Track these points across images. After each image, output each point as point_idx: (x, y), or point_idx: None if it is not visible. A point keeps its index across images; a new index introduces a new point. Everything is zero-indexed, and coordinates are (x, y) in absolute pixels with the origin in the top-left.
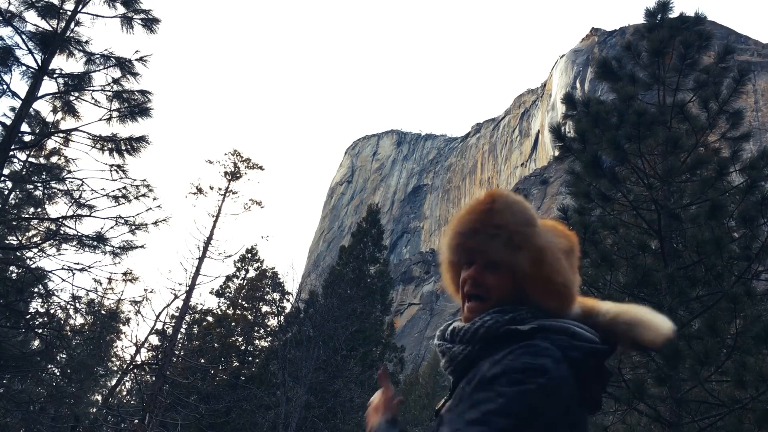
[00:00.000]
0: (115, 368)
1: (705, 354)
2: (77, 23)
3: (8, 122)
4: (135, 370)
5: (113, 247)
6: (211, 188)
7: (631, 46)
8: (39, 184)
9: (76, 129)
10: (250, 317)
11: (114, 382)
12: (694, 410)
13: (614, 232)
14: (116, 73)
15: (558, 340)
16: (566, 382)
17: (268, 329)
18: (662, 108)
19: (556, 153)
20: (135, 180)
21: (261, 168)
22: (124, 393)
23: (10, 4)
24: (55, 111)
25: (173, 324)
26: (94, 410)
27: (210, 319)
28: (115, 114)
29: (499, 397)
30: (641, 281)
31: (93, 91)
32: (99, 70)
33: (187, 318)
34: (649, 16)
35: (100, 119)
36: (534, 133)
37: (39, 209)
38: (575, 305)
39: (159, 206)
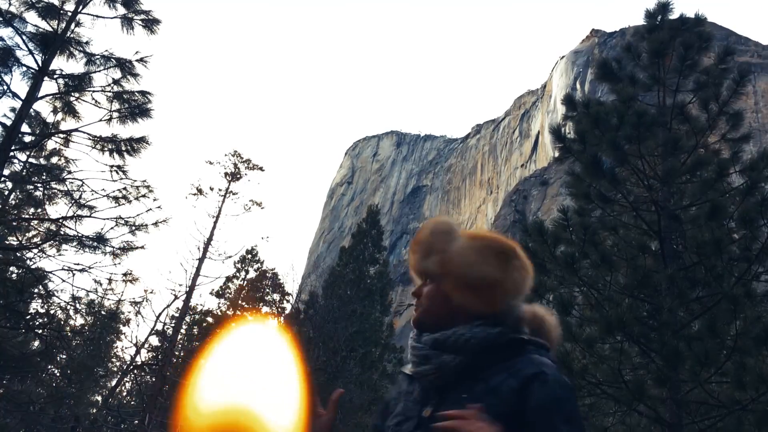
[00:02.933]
0: (115, 369)
1: (705, 355)
2: (77, 24)
3: (8, 123)
4: (135, 371)
5: (113, 247)
6: (212, 189)
7: (631, 48)
8: (39, 185)
9: (76, 130)
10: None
11: (114, 382)
12: (694, 411)
13: (614, 233)
14: (116, 73)
15: (549, 355)
16: None
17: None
18: (662, 109)
19: (556, 154)
20: (135, 181)
21: (261, 169)
22: (124, 394)
23: (10, 4)
24: (55, 111)
25: (173, 325)
26: (94, 411)
27: (210, 319)
28: (115, 115)
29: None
30: (641, 282)
31: (93, 91)
32: (99, 71)
33: (187, 319)
34: (649, 18)
35: (101, 120)
36: (534, 134)
37: (39, 210)
38: (515, 308)
39: (159, 207)
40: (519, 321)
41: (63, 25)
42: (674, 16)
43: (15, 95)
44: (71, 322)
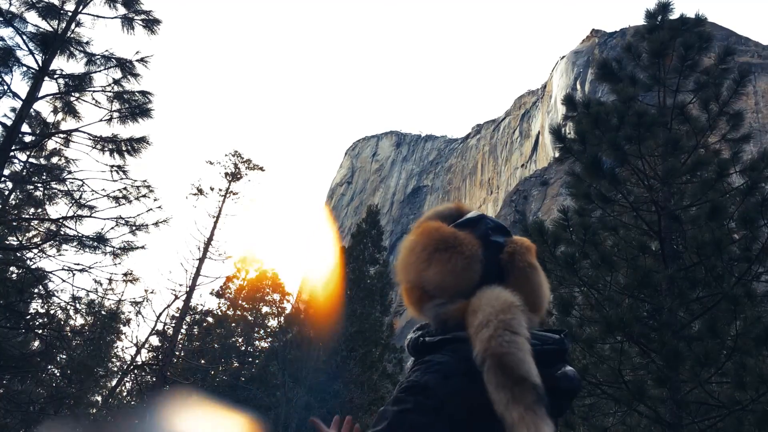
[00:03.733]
0: (116, 369)
1: (705, 355)
2: (78, 24)
3: (9, 123)
4: (135, 371)
5: (114, 247)
6: (212, 189)
7: (632, 48)
8: (39, 185)
9: (76, 129)
10: (250, 318)
11: (114, 382)
12: (695, 412)
13: (614, 234)
14: (117, 73)
15: (467, 351)
16: (455, 397)
17: (269, 330)
18: (662, 109)
19: (557, 154)
20: (135, 181)
21: (261, 169)
22: (125, 394)
23: (11, 4)
24: (55, 111)
25: (173, 325)
26: (94, 411)
27: (210, 319)
28: (115, 115)
29: (384, 418)
30: (641, 282)
31: (93, 91)
32: (99, 71)
33: (188, 319)
34: (650, 18)
35: (101, 120)
36: (534, 134)
37: (39, 210)
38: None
39: (159, 207)
40: (445, 321)
41: (63, 25)
42: (674, 16)
43: (15, 95)
44: (71, 322)
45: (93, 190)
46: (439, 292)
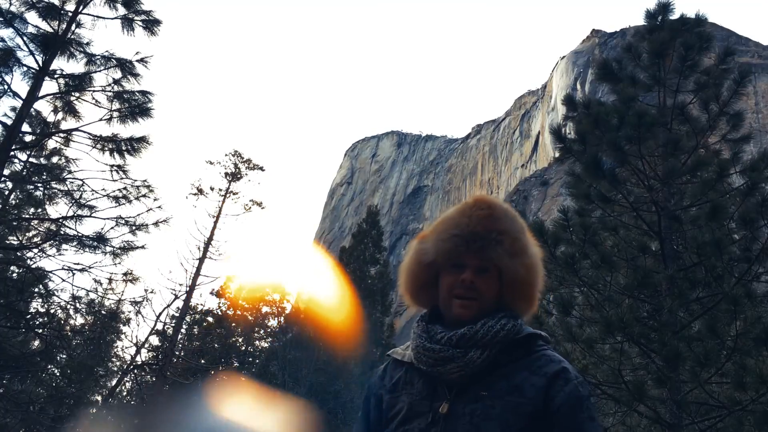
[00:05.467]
0: (116, 369)
1: (705, 356)
2: (78, 24)
3: (9, 122)
4: (135, 371)
5: (114, 247)
6: (212, 189)
7: (632, 48)
8: (39, 185)
9: (76, 129)
10: (250, 318)
11: (114, 382)
12: (695, 412)
13: (614, 234)
14: (117, 73)
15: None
16: None
17: (269, 330)
18: (663, 109)
19: (557, 154)
20: (136, 180)
21: (261, 169)
22: (125, 393)
23: (11, 5)
24: (55, 111)
25: (173, 324)
26: (94, 411)
27: (210, 319)
28: (115, 114)
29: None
30: (641, 282)
31: (94, 91)
32: (100, 71)
33: (188, 318)
34: (650, 18)
35: (101, 119)
36: (534, 134)
37: (39, 209)
38: None
39: (160, 207)
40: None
41: (64, 25)
42: (675, 16)
43: (16, 95)
44: (71, 321)
45: (93, 190)
46: None
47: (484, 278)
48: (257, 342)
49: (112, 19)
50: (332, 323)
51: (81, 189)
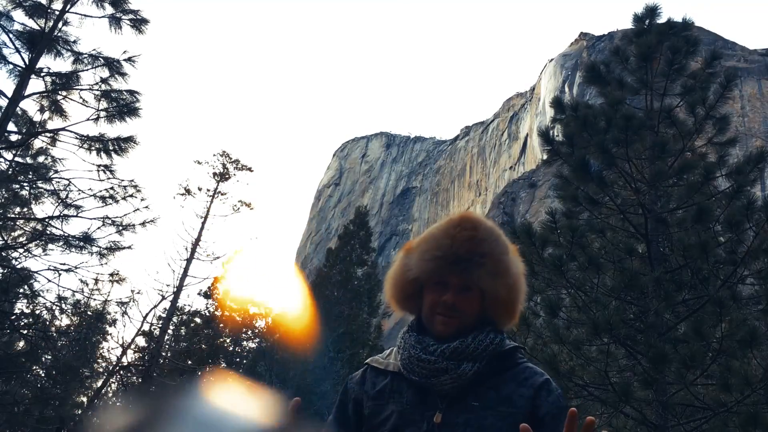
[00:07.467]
0: (101, 370)
1: (691, 357)
2: (65, 23)
3: None
4: (121, 372)
5: (100, 247)
6: (200, 189)
7: (620, 51)
8: (25, 184)
9: (63, 129)
10: (238, 318)
11: (100, 383)
12: (680, 413)
13: (602, 236)
14: (104, 72)
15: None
16: None
17: (256, 331)
18: (650, 113)
19: (545, 157)
20: (123, 180)
21: (250, 169)
22: (110, 395)
23: None
24: (42, 110)
25: (160, 325)
26: (80, 412)
27: (198, 320)
28: (103, 114)
29: None
30: (628, 284)
31: (81, 90)
32: (87, 70)
33: (175, 319)
34: (638, 21)
35: (88, 119)
36: (523, 136)
37: (25, 209)
38: None
39: (147, 207)
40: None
41: (50, 23)
42: (662, 20)
43: (1, 93)
44: (57, 322)
45: (80, 190)
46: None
47: (466, 297)
48: (245, 342)
49: (99, 17)
50: (307, 332)
51: (67, 189)
